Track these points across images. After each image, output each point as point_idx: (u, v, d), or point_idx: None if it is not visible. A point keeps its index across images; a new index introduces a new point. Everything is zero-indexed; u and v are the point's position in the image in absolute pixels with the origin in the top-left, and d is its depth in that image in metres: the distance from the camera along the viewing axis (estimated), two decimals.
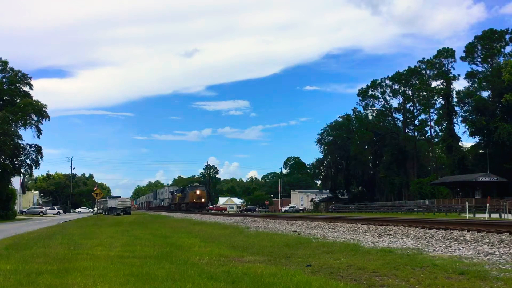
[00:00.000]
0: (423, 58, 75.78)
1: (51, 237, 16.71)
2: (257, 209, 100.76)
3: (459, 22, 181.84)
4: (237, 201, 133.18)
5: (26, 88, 48.87)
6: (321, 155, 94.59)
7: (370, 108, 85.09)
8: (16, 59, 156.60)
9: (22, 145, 46.53)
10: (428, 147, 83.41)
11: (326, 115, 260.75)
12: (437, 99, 73.71)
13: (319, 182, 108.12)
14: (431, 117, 77.11)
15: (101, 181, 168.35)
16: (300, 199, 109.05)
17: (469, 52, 66.67)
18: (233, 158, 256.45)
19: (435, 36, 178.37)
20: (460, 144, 69.57)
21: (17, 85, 48.54)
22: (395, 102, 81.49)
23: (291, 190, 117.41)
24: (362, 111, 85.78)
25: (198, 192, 65.58)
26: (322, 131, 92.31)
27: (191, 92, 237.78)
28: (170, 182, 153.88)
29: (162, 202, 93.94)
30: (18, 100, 48.64)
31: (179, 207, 71.87)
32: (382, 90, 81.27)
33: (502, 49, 65.31)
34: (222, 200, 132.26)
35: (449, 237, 12.77)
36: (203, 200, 65.78)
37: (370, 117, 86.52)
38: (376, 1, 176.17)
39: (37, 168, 49.02)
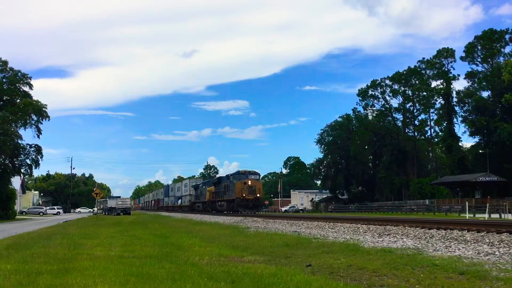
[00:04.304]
0: (423, 58, 76.05)
1: (51, 237, 16.71)
2: None
3: (456, 23, 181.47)
4: None
5: (26, 88, 48.87)
6: (321, 155, 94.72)
7: (370, 108, 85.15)
8: (16, 59, 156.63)
9: (22, 145, 46.51)
10: (428, 147, 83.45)
11: (326, 115, 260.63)
12: (437, 99, 73.88)
13: (319, 182, 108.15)
14: (431, 117, 77.31)
15: (101, 181, 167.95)
16: (300, 199, 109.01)
17: (469, 52, 66.76)
18: (233, 158, 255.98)
19: (431, 37, 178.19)
20: (460, 144, 69.71)
21: (17, 85, 48.52)
22: (395, 102, 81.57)
23: (291, 190, 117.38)
24: (362, 111, 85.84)
25: (249, 182, 42.23)
26: (322, 131, 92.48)
27: (191, 92, 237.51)
28: (170, 182, 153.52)
29: (180, 200, 75.87)
30: (18, 100, 48.62)
31: (213, 207, 50.37)
32: (382, 90, 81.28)
33: (502, 49, 65.53)
34: None
35: (449, 237, 12.76)
36: (258, 194, 42.67)
37: (370, 117, 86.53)
38: (372, 2, 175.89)
39: (37, 168, 48.99)
